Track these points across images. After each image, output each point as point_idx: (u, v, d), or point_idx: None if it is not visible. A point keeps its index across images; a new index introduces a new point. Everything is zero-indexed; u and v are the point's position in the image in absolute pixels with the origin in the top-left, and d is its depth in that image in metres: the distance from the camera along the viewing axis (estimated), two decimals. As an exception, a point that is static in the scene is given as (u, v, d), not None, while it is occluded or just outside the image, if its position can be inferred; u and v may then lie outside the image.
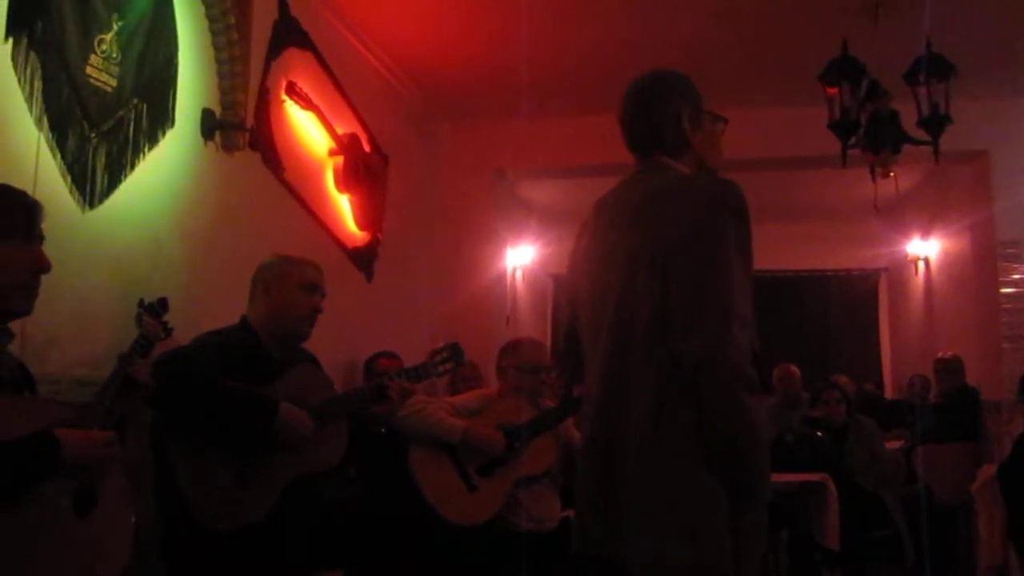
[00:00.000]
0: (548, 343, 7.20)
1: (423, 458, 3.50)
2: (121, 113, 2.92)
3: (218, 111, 3.53)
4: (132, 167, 2.98)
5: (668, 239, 1.85)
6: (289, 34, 4.13)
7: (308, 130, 4.37)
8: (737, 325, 1.77)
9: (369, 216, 4.95)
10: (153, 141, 3.09)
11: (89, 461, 1.90)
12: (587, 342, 2.06)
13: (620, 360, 1.90)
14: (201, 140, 3.43)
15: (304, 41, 4.28)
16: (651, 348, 1.84)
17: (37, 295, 1.96)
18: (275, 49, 3.99)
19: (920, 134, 4.29)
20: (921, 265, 8.01)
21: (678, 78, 2.13)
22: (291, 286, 2.81)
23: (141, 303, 2.38)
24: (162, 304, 2.41)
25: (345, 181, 4.66)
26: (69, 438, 1.85)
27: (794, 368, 6.22)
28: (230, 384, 2.58)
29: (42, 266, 1.95)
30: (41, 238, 1.97)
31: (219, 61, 3.54)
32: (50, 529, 1.82)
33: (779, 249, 8.42)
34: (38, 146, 2.58)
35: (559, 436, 3.65)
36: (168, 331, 2.38)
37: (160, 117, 3.13)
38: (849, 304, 9.49)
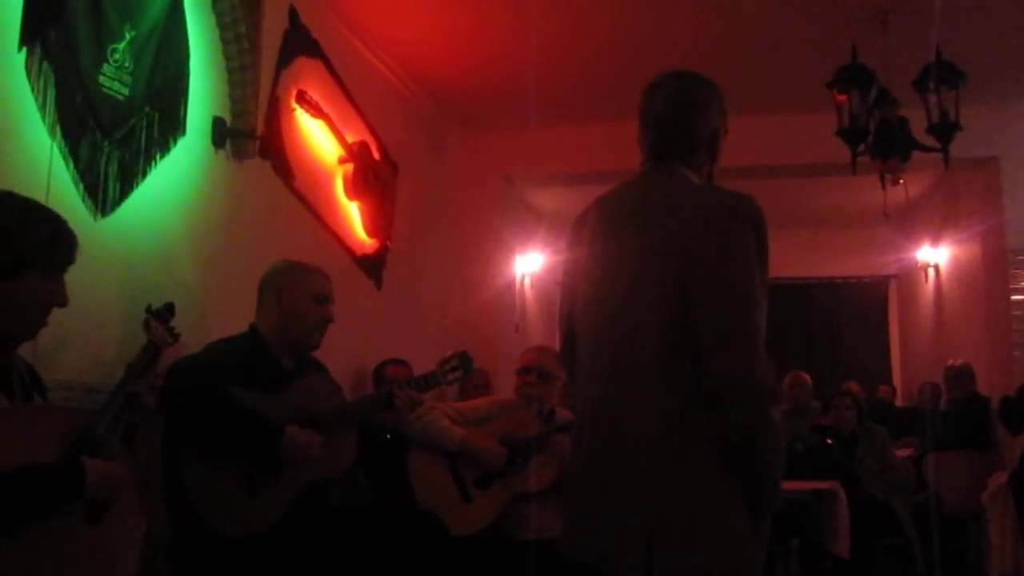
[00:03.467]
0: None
1: (422, 464, 3.49)
2: (133, 121, 2.94)
3: (229, 119, 3.55)
4: (144, 175, 3.00)
5: (685, 251, 1.82)
6: (299, 43, 4.15)
7: (318, 138, 4.39)
8: (761, 343, 1.78)
9: (378, 223, 4.96)
10: (164, 149, 3.11)
11: (105, 494, 1.90)
12: (586, 349, 2.02)
13: (627, 370, 1.88)
14: (212, 148, 3.45)
15: (314, 50, 4.30)
16: (665, 360, 1.82)
17: (46, 324, 1.97)
18: (285, 58, 4.01)
19: (930, 141, 4.29)
20: (931, 272, 7.97)
21: (719, 90, 2.04)
22: (304, 298, 2.81)
23: (148, 308, 2.39)
24: (169, 309, 2.42)
25: (355, 189, 4.67)
26: (93, 471, 1.86)
27: (805, 375, 6.20)
28: (239, 400, 2.57)
29: (59, 303, 1.96)
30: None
31: (230, 70, 3.56)
32: (62, 536, 1.82)
33: (788, 256, 8.37)
34: (51, 154, 2.60)
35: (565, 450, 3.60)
36: (175, 336, 2.39)
37: (171, 125, 3.14)
38: (859, 311, 9.46)
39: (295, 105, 4.12)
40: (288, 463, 2.59)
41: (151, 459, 2.55)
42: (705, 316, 1.79)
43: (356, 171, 4.67)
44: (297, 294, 2.82)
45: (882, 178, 4.42)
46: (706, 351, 1.78)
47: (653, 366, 1.84)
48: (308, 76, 4.24)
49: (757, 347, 1.77)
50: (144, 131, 2.99)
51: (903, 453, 5.86)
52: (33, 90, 2.54)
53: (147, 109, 3.00)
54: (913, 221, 8.03)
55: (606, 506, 1.88)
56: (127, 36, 2.89)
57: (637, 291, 1.89)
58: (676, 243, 1.84)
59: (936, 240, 7.85)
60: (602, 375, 1.95)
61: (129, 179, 2.93)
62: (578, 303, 2.07)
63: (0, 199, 1.92)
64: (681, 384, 1.81)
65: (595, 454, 1.93)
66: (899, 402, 8.39)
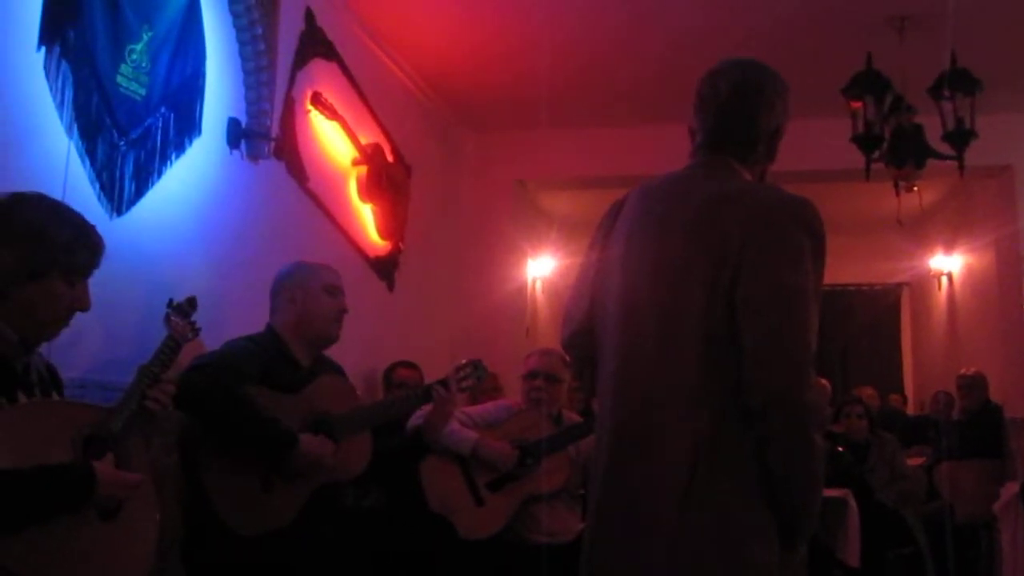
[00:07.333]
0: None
1: (434, 467, 3.49)
2: (149, 121, 2.95)
3: (244, 120, 3.57)
4: (159, 175, 3.02)
5: (736, 257, 1.68)
6: (315, 45, 4.16)
7: (332, 140, 4.40)
8: (811, 360, 1.66)
9: (391, 226, 4.97)
10: (180, 149, 3.12)
11: (117, 498, 1.90)
12: (609, 356, 1.87)
13: (661, 382, 1.75)
14: (227, 149, 3.47)
15: (330, 52, 4.32)
16: (705, 374, 1.70)
17: (67, 326, 1.99)
18: (301, 59, 4.03)
19: (945, 148, 4.27)
20: (944, 280, 7.95)
21: (786, 85, 1.89)
22: (317, 291, 2.85)
23: (170, 303, 2.38)
24: (191, 304, 2.41)
25: (368, 191, 4.68)
26: (104, 474, 1.85)
27: (824, 381, 6.16)
28: (256, 404, 2.57)
29: (80, 307, 1.98)
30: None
31: (246, 71, 3.58)
32: (75, 533, 1.83)
33: (800, 263, 8.36)
34: (68, 153, 2.61)
35: (577, 452, 3.60)
36: (196, 331, 2.38)
37: (187, 126, 3.16)
38: (871, 319, 9.43)
39: (310, 107, 4.13)
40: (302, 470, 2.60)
41: (168, 457, 2.56)
42: (751, 327, 1.65)
43: (370, 173, 4.68)
44: (310, 289, 2.85)
45: (896, 185, 4.41)
46: (750, 365, 1.65)
47: (692, 380, 1.71)
48: (323, 78, 4.26)
49: (806, 364, 1.64)
50: (160, 131, 3.01)
51: (915, 462, 5.83)
52: (51, 89, 2.55)
53: (163, 109, 3.02)
54: (927, 228, 8.00)
55: (623, 526, 1.77)
56: (145, 36, 2.91)
57: (678, 299, 1.73)
58: (725, 247, 1.69)
59: (950, 248, 7.82)
60: (633, 388, 1.80)
61: (145, 179, 2.94)
62: (603, 309, 1.91)
63: (29, 200, 1.93)
64: (715, 403, 1.69)
65: (618, 472, 1.81)
66: (911, 411, 8.36)
